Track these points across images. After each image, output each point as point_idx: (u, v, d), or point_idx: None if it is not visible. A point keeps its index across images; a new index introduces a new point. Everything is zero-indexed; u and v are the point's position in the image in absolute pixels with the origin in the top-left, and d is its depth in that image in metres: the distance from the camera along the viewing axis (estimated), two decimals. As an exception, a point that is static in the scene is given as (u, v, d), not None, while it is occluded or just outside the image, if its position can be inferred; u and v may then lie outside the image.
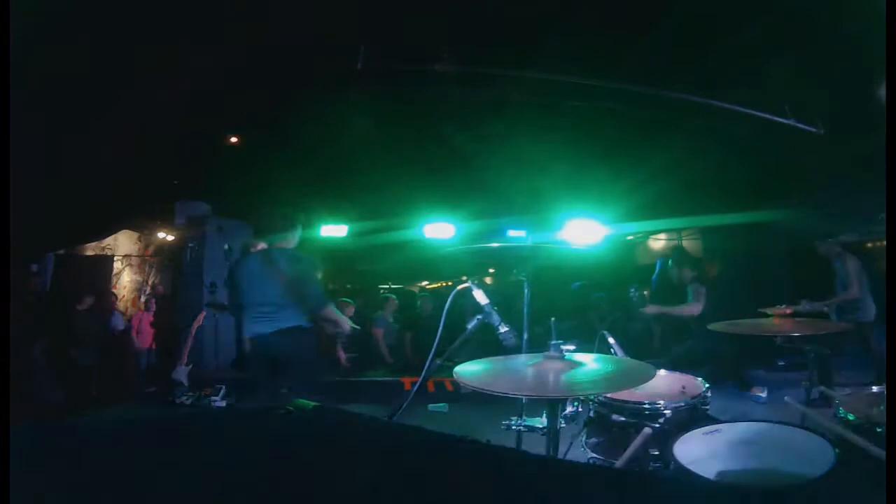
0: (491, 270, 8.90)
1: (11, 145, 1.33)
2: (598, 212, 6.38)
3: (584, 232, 6.37)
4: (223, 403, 5.41)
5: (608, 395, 1.97)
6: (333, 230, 7.37)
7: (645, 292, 4.48)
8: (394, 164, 5.78)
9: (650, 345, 6.51)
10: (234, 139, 5.64)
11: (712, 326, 2.47)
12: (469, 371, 1.45)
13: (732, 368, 4.84)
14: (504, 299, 2.19)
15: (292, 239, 3.39)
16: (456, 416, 4.84)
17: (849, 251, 4.77)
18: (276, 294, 3.19)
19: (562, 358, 1.48)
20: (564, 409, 1.78)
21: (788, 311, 2.44)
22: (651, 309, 4.69)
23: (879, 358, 4.28)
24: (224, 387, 5.58)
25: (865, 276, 4.58)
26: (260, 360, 3.35)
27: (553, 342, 1.50)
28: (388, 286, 10.15)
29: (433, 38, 4.14)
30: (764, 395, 4.71)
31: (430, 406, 5.08)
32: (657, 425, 1.79)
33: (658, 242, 11.42)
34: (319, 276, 4.08)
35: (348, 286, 9.68)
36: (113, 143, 4.81)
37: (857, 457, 1.25)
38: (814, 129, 4.90)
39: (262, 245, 3.61)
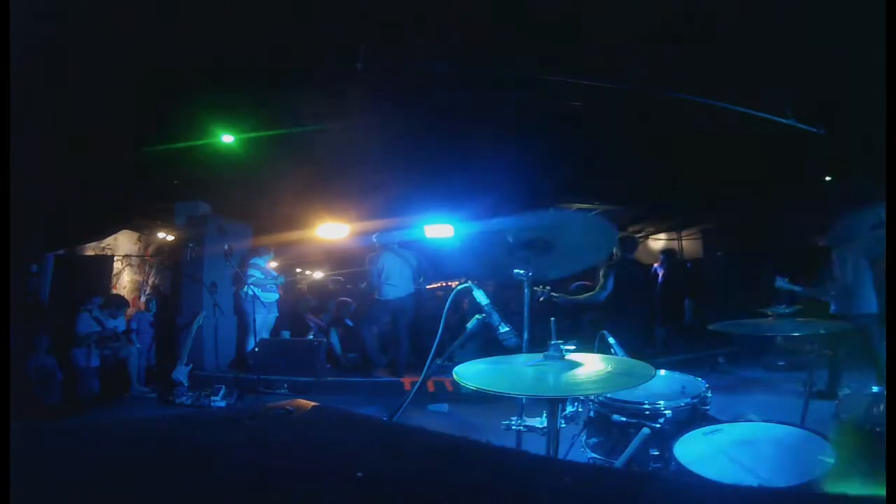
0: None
1: (11, 145, 1.33)
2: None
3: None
4: (223, 403, 5.42)
5: (608, 395, 1.97)
6: (335, 230, 7.36)
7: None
8: (394, 163, 5.78)
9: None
10: (232, 139, 5.63)
11: (713, 327, 2.46)
12: (469, 371, 1.44)
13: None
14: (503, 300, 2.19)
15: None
16: (456, 416, 4.84)
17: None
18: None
19: (562, 358, 1.47)
20: (564, 409, 1.78)
21: (788, 311, 2.43)
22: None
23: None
24: (224, 387, 5.59)
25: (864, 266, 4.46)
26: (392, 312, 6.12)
27: (553, 342, 1.50)
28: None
29: (433, 37, 4.14)
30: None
31: (430, 406, 5.07)
32: (657, 425, 1.79)
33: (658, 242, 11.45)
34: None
35: (349, 286, 9.67)
36: (112, 143, 4.81)
37: (856, 457, 1.25)
38: (814, 130, 4.89)
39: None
